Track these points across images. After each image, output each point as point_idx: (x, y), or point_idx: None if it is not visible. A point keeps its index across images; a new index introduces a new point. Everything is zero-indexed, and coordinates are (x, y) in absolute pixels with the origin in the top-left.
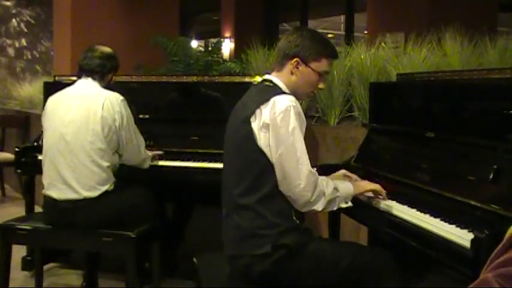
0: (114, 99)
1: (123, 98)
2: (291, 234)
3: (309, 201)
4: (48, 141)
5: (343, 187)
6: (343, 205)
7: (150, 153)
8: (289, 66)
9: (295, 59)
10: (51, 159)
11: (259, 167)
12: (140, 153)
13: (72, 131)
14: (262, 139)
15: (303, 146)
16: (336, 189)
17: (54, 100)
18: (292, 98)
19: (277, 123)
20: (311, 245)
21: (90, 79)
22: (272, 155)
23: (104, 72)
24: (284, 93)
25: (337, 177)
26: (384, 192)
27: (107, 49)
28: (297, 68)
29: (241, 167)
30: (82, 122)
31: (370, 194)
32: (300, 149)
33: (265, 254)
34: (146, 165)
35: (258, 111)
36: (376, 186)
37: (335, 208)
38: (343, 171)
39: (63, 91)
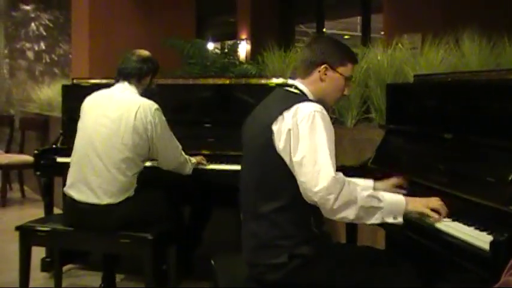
0: (148, 107)
1: (157, 106)
2: (308, 244)
3: (331, 209)
4: (78, 142)
5: (391, 199)
6: (390, 220)
7: (194, 160)
8: (317, 73)
9: (323, 66)
10: (78, 160)
11: (278, 175)
12: (176, 158)
13: (103, 137)
14: (282, 145)
15: (326, 151)
16: (376, 198)
17: (90, 101)
18: (317, 105)
19: (300, 127)
20: (327, 253)
21: (126, 83)
22: (292, 159)
23: (141, 76)
24: (309, 100)
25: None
26: (444, 210)
27: (144, 52)
28: (326, 74)
29: (259, 175)
30: (113, 129)
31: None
32: (323, 154)
33: (281, 263)
34: (186, 169)
35: (280, 118)
36: (438, 204)
37: (378, 221)
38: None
39: (100, 93)
